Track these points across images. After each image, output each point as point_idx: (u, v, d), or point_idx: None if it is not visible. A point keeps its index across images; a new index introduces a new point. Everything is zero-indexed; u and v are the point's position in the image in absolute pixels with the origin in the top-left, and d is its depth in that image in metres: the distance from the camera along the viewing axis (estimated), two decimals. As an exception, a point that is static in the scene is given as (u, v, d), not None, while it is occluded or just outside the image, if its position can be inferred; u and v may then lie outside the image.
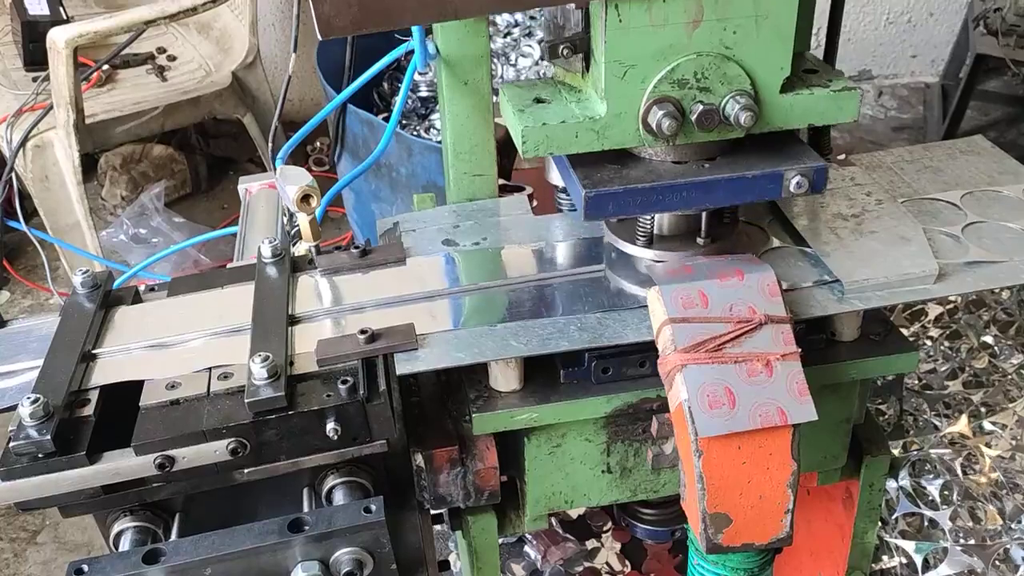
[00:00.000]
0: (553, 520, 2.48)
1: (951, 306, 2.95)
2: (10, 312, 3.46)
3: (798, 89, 1.23)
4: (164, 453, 1.14)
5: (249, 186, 1.84)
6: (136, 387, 1.23)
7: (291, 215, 1.61)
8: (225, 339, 1.32)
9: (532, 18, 3.76)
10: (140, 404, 1.20)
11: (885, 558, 2.32)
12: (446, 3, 1.09)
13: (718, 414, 1.16)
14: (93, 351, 1.31)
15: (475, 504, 1.38)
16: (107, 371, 1.27)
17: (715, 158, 1.27)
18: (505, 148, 1.64)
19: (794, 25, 1.18)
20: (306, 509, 1.25)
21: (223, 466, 1.17)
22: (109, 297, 1.42)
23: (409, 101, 3.38)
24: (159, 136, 3.94)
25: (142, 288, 1.47)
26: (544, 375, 1.34)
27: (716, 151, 1.27)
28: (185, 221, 3.66)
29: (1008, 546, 2.27)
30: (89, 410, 1.20)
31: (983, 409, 2.62)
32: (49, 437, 1.11)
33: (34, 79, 3.32)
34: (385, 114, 3.26)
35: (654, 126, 1.19)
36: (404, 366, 1.24)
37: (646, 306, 1.29)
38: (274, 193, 1.79)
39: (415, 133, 3.23)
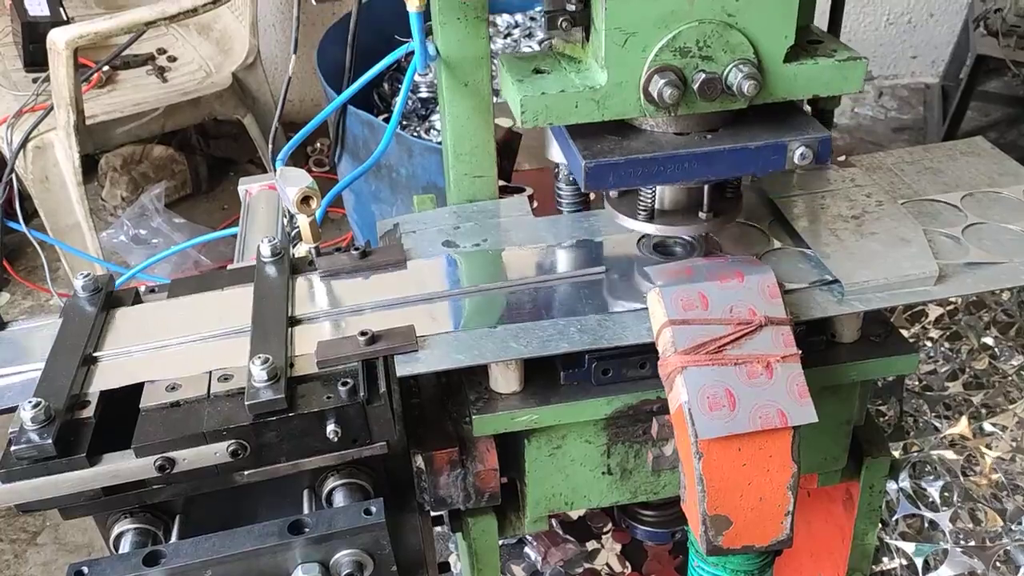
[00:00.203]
0: (553, 521, 2.48)
1: (951, 307, 2.95)
2: (10, 313, 3.46)
3: (802, 59, 1.21)
4: (164, 455, 1.14)
5: (249, 187, 1.83)
6: (136, 389, 1.23)
7: (291, 216, 1.61)
8: (225, 341, 1.32)
9: (532, 19, 3.77)
10: (140, 406, 1.20)
11: (885, 560, 2.31)
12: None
13: (718, 416, 1.16)
14: (94, 354, 1.30)
15: (475, 506, 1.38)
16: (108, 374, 1.27)
17: (717, 129, 1.24)
18: (505, 150, 1.64)
19: None
20: (306, 511, 1.25)
21: (223, 468, 1.17)
22: (110, 299, 1.41)
23: (409, 102, 3.37)
24: (159, 137, 3.95)
25: (142, 289, 1.46)
26: (544, 377, 1.34)
27: (718, 122, 1.25)
28: (185, 222, 3.66)
29: (1008, 548, 2.27)
30: (89, 412, 1.20)
31: (983, 410, 2.61)
32: (50, 441, 1.12)
33: (34, 80, 3.31)
34: (385, 115, 3.26)
35: (655, 95, 1.17)
36: (404, 368, 1.24)
37: (646, 308, 1.29)
38: (274, 194, 1.79)
39: (415, 134, 3.22)
